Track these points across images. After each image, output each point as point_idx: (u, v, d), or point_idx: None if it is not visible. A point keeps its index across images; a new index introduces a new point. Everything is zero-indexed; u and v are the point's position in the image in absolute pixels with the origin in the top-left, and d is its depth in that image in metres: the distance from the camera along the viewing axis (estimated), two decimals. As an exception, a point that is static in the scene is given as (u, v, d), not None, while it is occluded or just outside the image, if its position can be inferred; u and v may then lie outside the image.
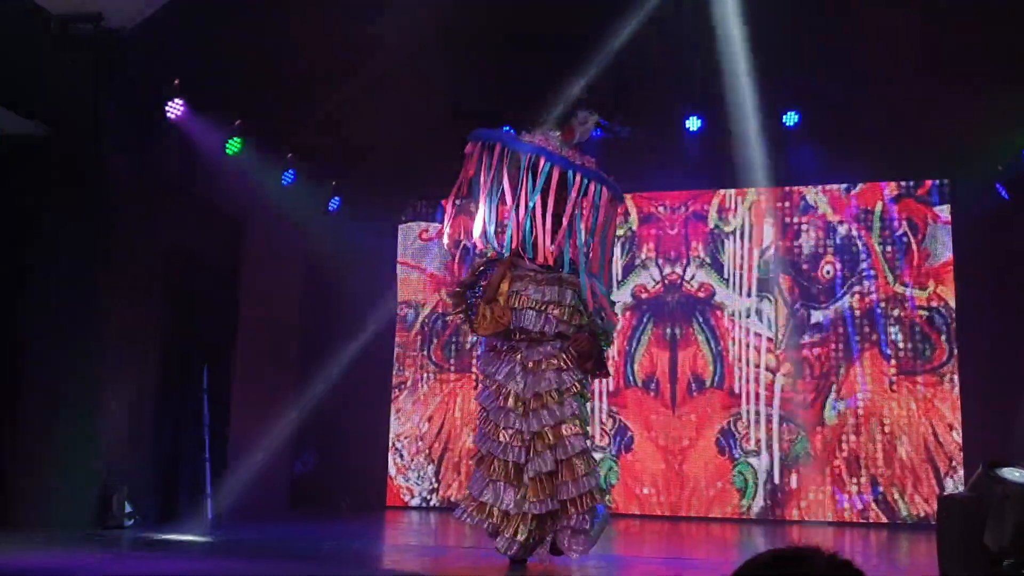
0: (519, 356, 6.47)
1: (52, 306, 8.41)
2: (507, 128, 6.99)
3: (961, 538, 5.11)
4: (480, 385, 6.91)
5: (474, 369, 11.65)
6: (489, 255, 6.84)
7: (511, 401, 6.38)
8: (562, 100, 7.03)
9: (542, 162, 6.36)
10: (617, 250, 7.13)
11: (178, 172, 9.37)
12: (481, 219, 6.60)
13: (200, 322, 9.89)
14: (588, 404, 6.77)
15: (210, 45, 8.81)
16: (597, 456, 10.86)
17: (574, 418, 6.34)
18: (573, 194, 6.40)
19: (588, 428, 6.64)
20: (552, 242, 6.42)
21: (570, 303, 6.48)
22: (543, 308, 6.47)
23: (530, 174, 6.40)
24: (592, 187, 6.49)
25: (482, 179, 6.56)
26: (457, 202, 6.81)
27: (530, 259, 6.56)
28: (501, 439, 6.35)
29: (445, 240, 7.48)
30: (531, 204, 6.37)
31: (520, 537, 6.27)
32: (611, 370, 7.34)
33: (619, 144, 10.64)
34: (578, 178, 6.41)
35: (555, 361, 6.42)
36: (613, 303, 7.14)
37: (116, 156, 8.68)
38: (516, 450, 6.30)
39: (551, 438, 6.25)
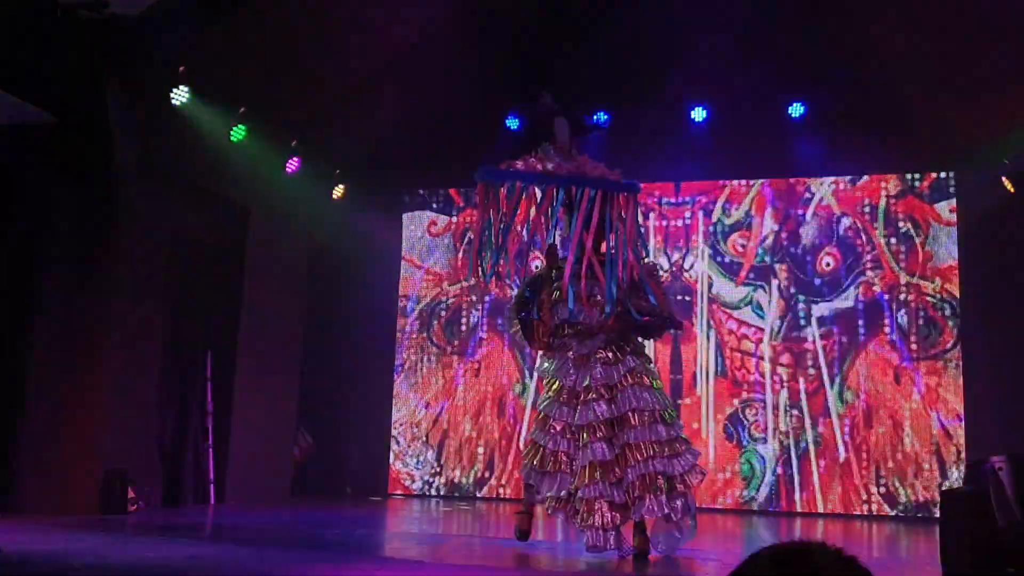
0: (570, 353, 6.63)
1: (58, 293, 8.44)
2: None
3: (963, 530, 5.12)
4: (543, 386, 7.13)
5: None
6: (536, 273, 7.18)
7: (563, 394, 6.58)
8: (534, 114, 7.04)
9: (551, 192, 6.58)
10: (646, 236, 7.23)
11: (183, 160, 9.37)
12: (486, 258, 6.67)
13: (204, 309, 9.92)
14: (656, 389, 6.63)
15: (215, 33, 8.80)
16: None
17: (633, 411, 6.38)
18: (582, 209, 6.48)
19: (666, 413, 6.52)
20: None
21: (612, 296, 6.48)
22: (587, 299, 6.52)
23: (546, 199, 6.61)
24: (598, 195, 6.53)
25: (492, 216, 6.63)
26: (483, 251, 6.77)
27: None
28: (550, 431, 6.56)
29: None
30: (570, 235, 6.59)
31: (593, 523, 6.29)
32: (680, 325, 7.23)
33: (624, 136, 10.66)
34: (586, 192, 6.51)
35: (602, 354, 6.53)
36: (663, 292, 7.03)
37: (121, 144, 8.68)
38: (566, 442, 6.50)
39: (602, 430, 6.34)
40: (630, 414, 6.38)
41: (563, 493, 6.48)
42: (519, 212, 6.66)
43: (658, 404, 6.50)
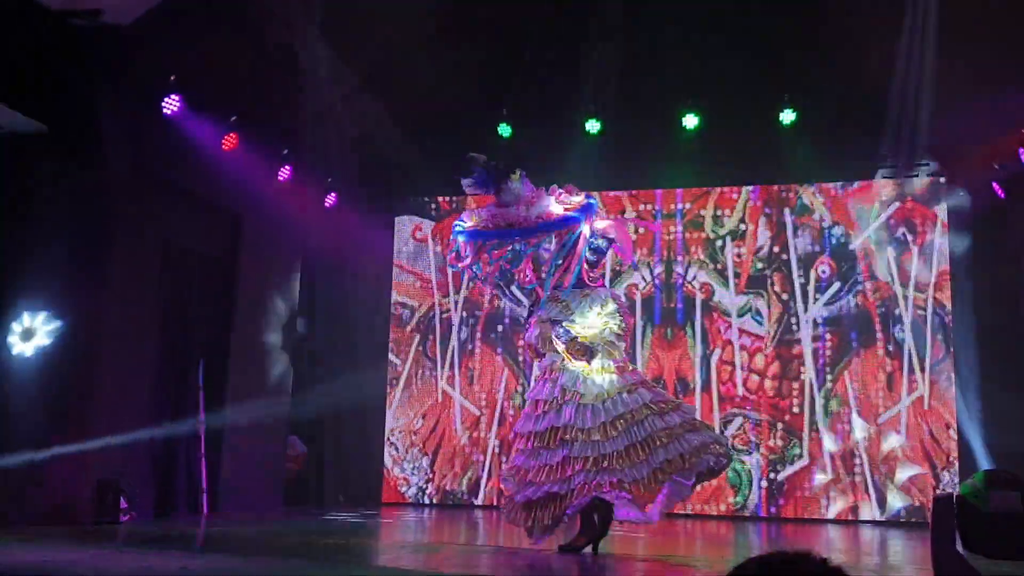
0: (570, 367, 7.12)
1: (49, 300, 8.41)
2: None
3: (954, 536, 5.12)
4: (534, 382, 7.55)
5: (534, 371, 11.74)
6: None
7: (568, 407, 6.96)
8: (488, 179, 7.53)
9: (517, 244, 7.30)
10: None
11: (175, 168, 9.36)
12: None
13: (196, 318, 9.90)
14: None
15: (206, 41, 8.80)
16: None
17: (627, 414, 6.87)
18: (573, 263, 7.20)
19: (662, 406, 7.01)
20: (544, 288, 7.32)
21: (601, 311, 7.25)
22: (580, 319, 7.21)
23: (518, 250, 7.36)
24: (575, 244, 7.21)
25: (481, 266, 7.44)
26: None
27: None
28: (565, 438, 6.91)
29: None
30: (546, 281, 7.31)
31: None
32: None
33: (615, 143, 10.68)
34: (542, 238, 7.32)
35: (599, 363, 7.09)
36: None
37: (113, 152, 8.67)
38: (575, 446, 6.88)
39: (613, 431, 6.81)
40: (609, 425, 6.91)
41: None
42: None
43: (654, 399, 7.07)
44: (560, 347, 7.18)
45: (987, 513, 5.06)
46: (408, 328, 12.17)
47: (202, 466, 9.76)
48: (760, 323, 11.15)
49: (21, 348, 8.31)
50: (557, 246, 7.30)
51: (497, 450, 11.60)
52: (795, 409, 10.93)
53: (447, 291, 12.08)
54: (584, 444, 6.77)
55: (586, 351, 7.11)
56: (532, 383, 7.62)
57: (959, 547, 5.13)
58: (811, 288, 11.07)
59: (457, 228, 7.38)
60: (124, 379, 8.81)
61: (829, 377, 10.89)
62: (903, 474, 10.53)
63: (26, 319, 8.31)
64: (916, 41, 9.61)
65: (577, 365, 7.08)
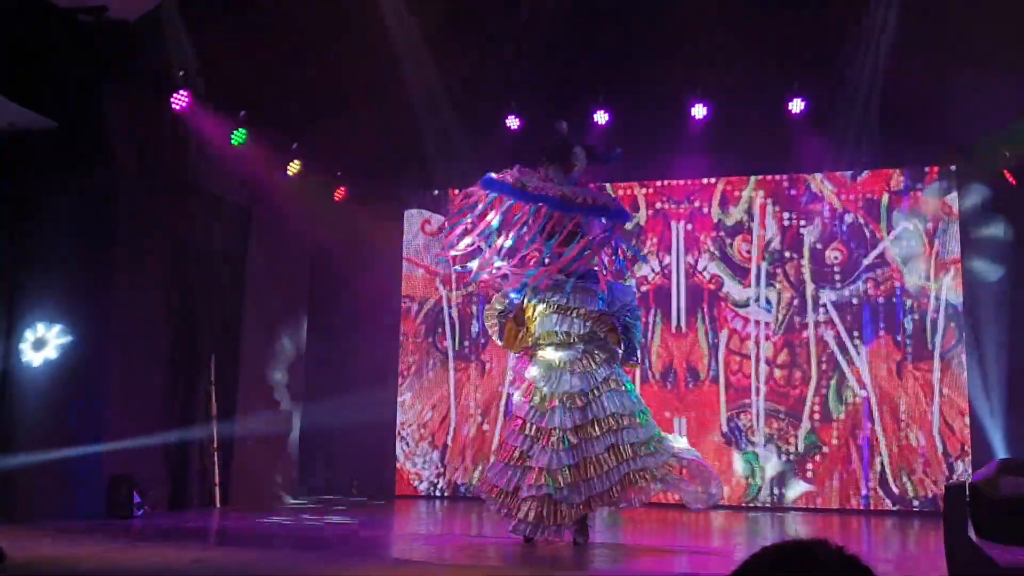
0: (549, 358, 7.12)
1: (59, 297, 8.44)
2: (514, 167, 7.40)
3: (960, 525, 5.12)
4: (515, 387, 7.61)
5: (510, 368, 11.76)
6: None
7: (537, 399, 7.00)
8: (553, 140, 7.51)
9: (544, 211, 7.02)
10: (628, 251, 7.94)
11: (184, 163, 9.38)
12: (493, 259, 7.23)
13: (207, 313, 9.92)
14: (630, 393, 7.23)
15: (214, 36, 8.80)
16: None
17: (609, 417, 6.91)
18: (575, 230, 7.09)
19: (635, 419, 7.03)
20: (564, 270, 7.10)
21: (594, 309, 7.19)
22: (565, 312, 7.15)
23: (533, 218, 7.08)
24: (592, 222, 7.17)
25: (488, 221, 7.16)
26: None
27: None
28: (526, 432, 6.95)
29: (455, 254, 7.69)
30: (546, 252, 7.03)
31: (527, 517, 6.79)
32: (639, 359, 7.97)
33: (624, 133, 10.65)
34: (577, 218, 7.11)
35: (578, 365, 7.03)
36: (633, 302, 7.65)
37: (121, 148, 8.69)
38: (529, 441, 6.92)
39: (572, 439, 6.81)
40: (609, 418, 6.91)
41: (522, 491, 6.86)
42: (508, 218, 7.15)
43: (635, 407, 7.07)
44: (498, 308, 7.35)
45: (999, 500, 5.05)
46: (417, 320, 12.17)
47: (215, 460, 9.79)
48: (769, 311, 11.12)
49: (31, 356, 8.35)
50: (589, 230, 7.18)
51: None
52: (806, 398, 10.90)
53: (458, 285, 12.07)
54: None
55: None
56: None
57: (972, 535, 5.12)
58: (821, 277, 11.03)
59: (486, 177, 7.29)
60: (135, 377, 8.84)
61: (840, 366, 10.86)
62: (916, 463, 10.51)
63: (40, 329, 8.34)
64: (923, 25, 9.55)
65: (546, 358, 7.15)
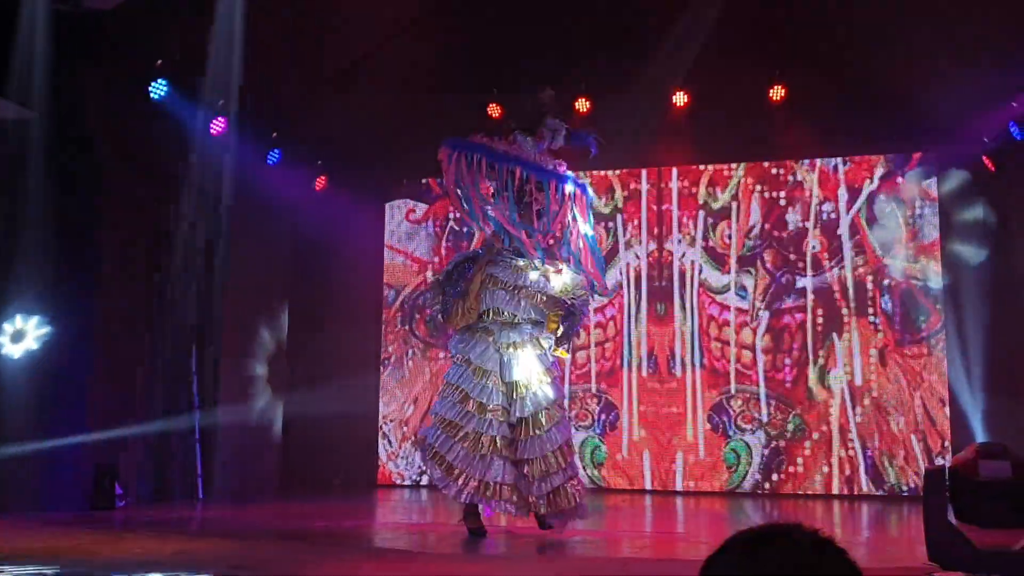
0: (491, 337, 6.82)
1: (39, 289, 8.38)
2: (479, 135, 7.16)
3: (940, 509, 5.17)
4: (452, 363, 7.17)
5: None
6: (472, 250, 7.37)
7: (491, 380, 6.71)
8: (533, 105, 7.26)
9: (519, 171, 6.77)
10: (599, 232, 7.79)
11: (162, 153, 9.32)
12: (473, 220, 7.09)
13: (188, 303, 9.87)
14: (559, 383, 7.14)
15: (192, 25, 8.75)
16: (581, 436, 10.96)
17: (554, 404, 6.81)
18: (551, 200, 6.82)
19: (561, 410, 6.97)
20: (532, 239, 6.83)
21: (545, 293, 6.91)
22: (515, 291, 6.86)
23: (509, 180, 6.80)
24: (567, 190, 6.93)
25: (461, 186, 6.88)
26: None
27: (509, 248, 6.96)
28: (486, 416, 6.67)
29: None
30: (512, 216, 6.75)
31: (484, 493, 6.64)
32: (567, 351, 7.68)
33: (607, 121, 10.65)
34: (552, 185, 6.85)
35: (529, 347, 6.82)
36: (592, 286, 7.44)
37: (100, 138, 8.63)
38: (501, 426, 6.69)
39: (532, 429, 6.67)
40: (546, 412, 6.72)
41: (496, 478, 6.63)
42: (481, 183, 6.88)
43: (561, 398, 7.00)
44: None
45: (978, 484, 5.10)
46: (393, 308, 12.15)
47: (197, 451, 9.77)
48: (744, 298, 11.15)
49: (10, 349, 8.30)
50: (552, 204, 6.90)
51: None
52: (788, 384, 10.95)
53: (437, 270, 12.06)
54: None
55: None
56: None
57: (951, 518, 5.17)
58: (802, 263, 11.07)
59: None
60: (116, 368, 8.80)
61: (822, 352, 10.91)
62: (898, 449, 10.57)
63: (18, 321, 8.29)
64: (903, 12, 9.58)
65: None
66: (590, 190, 7.46)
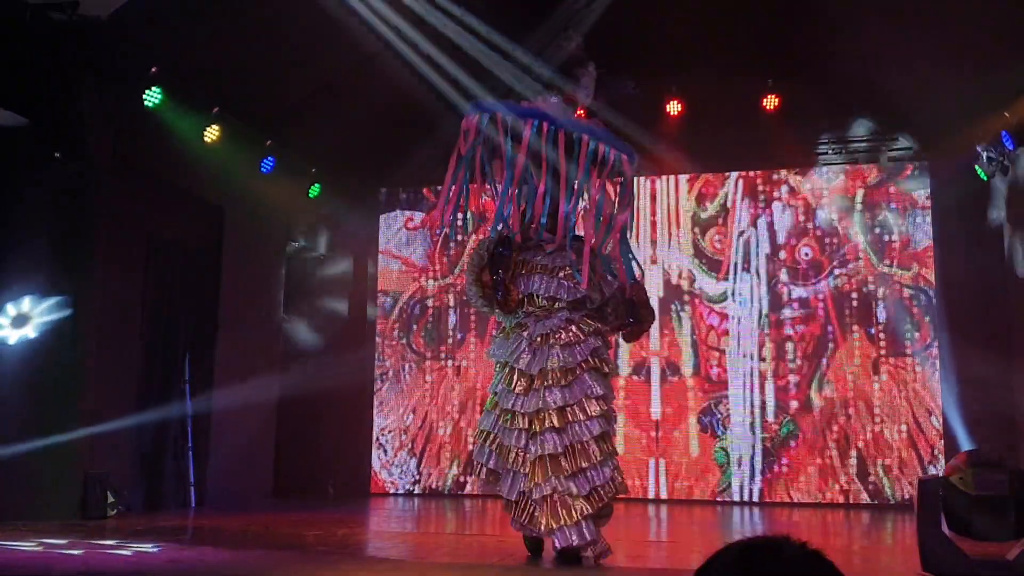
0: (525, 333, 6.13)
1: (32, 296, 8.36)
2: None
3: (932, 519, 5.17)
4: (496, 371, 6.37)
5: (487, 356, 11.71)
6: (498, 233, 6.32)
7: (514, 379, 6.06)
8: (560, 58, 6.52)
9: (546, 127, 6.10)
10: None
11: (157, 161, 9.31)
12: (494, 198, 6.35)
13: (181, 311, 9.86)
14: (610, 377, 6.29)
15: (186, 33, 8.74)
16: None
17: (589, 398, 5.97)
18: (582, 159, 6.10)
19: (610, 406, 6.17)
20: (568, 209, 6.14)
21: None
22: (554, 272, 6.16)
23: (538, 141, 6.08)
24: (602, 149, 6.20)
25: (482, 155, 6.20)
26: (453, 185, 6.28)
27: (541, 227, 6.20)
28: (509, 425, 6.03)
29: (441, 220, 6.59)
30: (545, 181, 6.07)
31: (526, 520, 5.97)
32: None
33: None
34: (585, 140, 6.14)
35: (563, 335, 6.05)
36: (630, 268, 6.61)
37: (95, 145, 8.62)
38: (518, 433, 5.98)
39: (555, 420, 5.87)
40: (573, 407, 5.94)
41: (515, 496, 5.99)
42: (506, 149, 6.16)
43: (608, 394, 6.14)
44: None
45: (975, 498, 5.08)
46: (391, 319, 12.15)
47: (190, 460, 9.74)
48: (743, 306, 11.17)
49: (6, 333, 8.27)
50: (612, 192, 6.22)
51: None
52: (781, 393, 10.96)
53: (435, 275, 12.07)
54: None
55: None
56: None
57: (944, 529, 5.16)
58: (795, 273, 11.09)
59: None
60: (109, 373, 8.78)
61: (815, 360, 10.92)
62: (890, 458, 10.58)
63: (10, 309, 8.27)
64: (897, 22, 9.61)
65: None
66: (634, 161, 6.53)
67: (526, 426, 5.97)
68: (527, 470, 5.92)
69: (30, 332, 8.27)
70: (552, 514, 5.80)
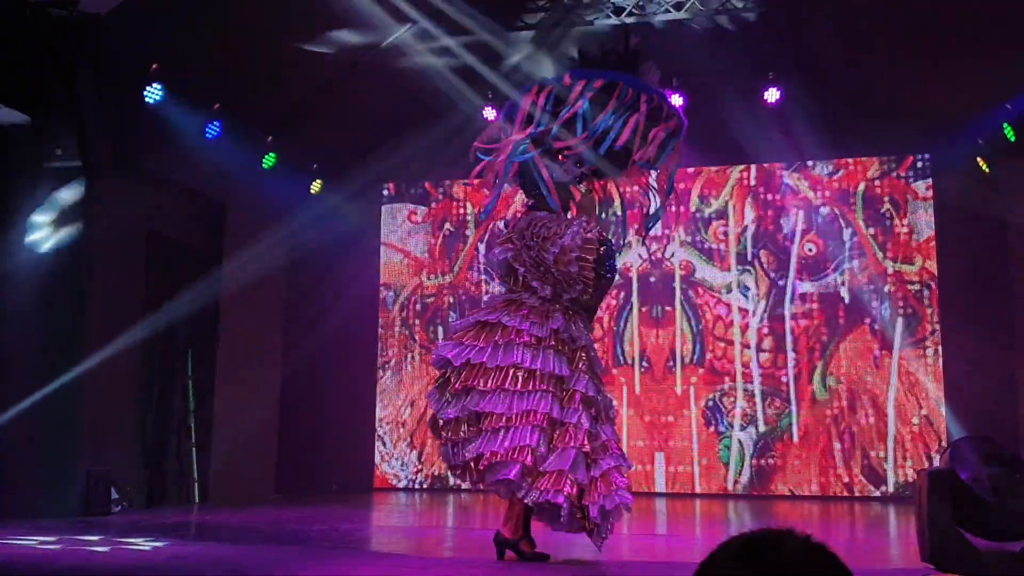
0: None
1: (34, 293, 8.36)
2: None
3: (941, 511, 5.15)
4: (527, 351, 5.53)
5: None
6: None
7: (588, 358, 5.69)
8: (617, 51, 6.36)
9: (643, 99, 6.03)
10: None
11: (158, 158, 9.31)
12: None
13: (183, 307, 9.85)
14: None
15: (187, 29, 8.73)
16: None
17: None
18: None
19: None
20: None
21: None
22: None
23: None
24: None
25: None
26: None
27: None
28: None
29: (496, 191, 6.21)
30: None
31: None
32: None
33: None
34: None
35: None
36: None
37: (95, 142, 8.61)
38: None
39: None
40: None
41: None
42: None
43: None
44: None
45: (987, 501, 5.05)
46: (392, 312, 12.15)
47: (192, 456, 9.75)
48: (747, 298, 11.17)
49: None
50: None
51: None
52: (784, 385, 10.96)
53: (437, 271, 12.07)
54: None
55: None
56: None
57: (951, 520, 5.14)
58: (799, 267, 11.08)
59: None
60: (112, 370, 8.77)
61: (818, 353, 10.92)
62: (894, 451, 10.58)
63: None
64: (897, 14, 9.59)
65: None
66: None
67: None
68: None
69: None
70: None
